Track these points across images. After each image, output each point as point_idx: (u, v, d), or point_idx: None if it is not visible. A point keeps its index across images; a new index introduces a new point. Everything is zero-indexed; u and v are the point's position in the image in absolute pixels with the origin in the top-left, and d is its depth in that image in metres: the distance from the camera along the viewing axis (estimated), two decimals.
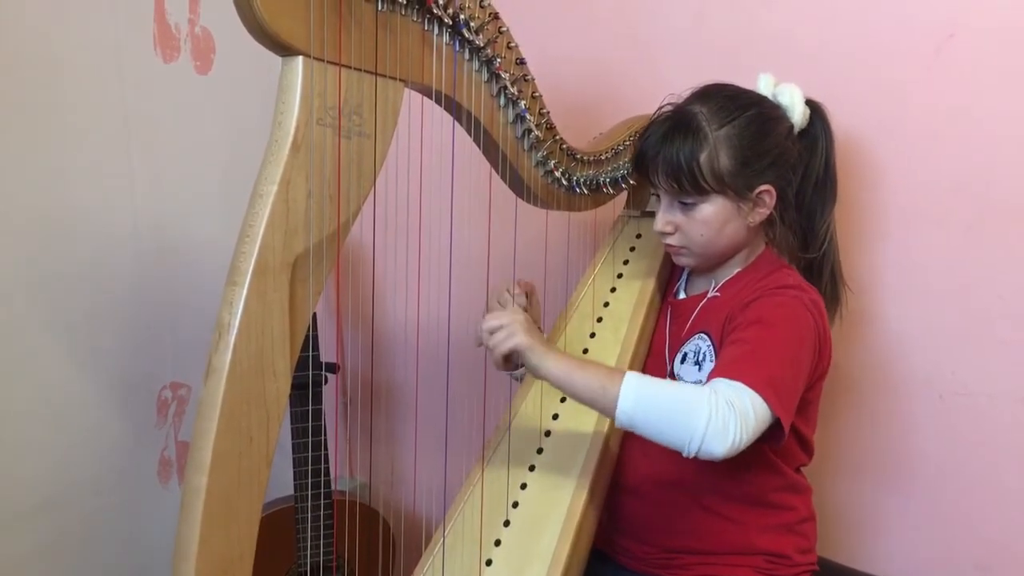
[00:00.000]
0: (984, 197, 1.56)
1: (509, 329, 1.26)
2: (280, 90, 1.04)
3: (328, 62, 1.04)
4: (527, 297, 1.46)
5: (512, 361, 1.29)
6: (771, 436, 1.22)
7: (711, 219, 1.35)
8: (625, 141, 1.57)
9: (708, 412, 1.14)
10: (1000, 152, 1.54)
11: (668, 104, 1.41)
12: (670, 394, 1.21)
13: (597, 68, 1.88)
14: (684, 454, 1.17)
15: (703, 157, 1.31)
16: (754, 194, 1.35)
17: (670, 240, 1.40)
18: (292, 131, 1.02)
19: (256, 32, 1.00)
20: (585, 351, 1.50)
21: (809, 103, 1.43)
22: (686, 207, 1.36)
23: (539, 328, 1.48)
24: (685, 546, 1.39)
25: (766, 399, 1.18)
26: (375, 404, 2.20)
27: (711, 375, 1.25)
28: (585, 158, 1.50)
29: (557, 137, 1.43)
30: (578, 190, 1.50)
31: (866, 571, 1.53)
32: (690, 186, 1.32)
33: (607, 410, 1.22)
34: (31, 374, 1.67)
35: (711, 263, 1.43)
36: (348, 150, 1.08)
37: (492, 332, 1.28)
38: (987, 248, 1.57)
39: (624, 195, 1.69)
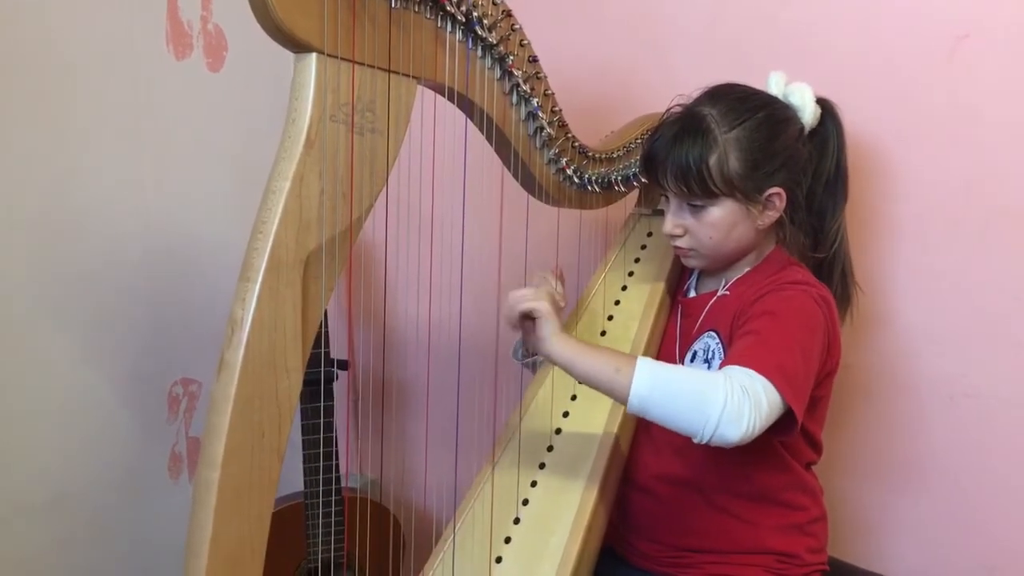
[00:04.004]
0: (998, 198, 1.56)
1: (536, 293, 1.25)
2: (293, 87, 1.04)
3: (341, 59, 1.05)
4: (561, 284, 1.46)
5: (525, 327, 1.27)
6: (783, 427, 1.21)
7: (720, 222, 1.35)
8: (637, 139, 1.57)
9: (724, 397, 1.13)
10: (1014, 153, 1.54)
11: (677, 105, 1.40)
12: (685, 378, 1.21)
13: (609, 66, 1.88)
14: (696, 439, 1.16)
15: (712, 160, 1.31)
16: (764, 197, 1.34)
17: (679, 242, 1.40)
18: (305, 128, 1.02)
19: (270, 29, 1.00)
20: None
21: (820, 102, 1.42)
22: (695, 209, 1.35)
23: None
24: (695, 545, 1.39)
25: (777, 386, 1.17)
26: (385, 401, 2.20)
27: (723, 364, 1.24)
28: (597, 156, 1.50)
29: (569, 135, 1.43)
30: (590, 188, 1.50)
31: (875, 571, 1.53)
32: (699, 189, 1.32)
33: (619, 393, 1.19)
34: (43, 371, 1.68)
35: (720, 265, 1.43)
36: (361, 147, 1.09)
37: (517, 295, 1.26)
38: (1000, 250, 1.56)
39: (635, 193, 1.69)
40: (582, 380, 1.25)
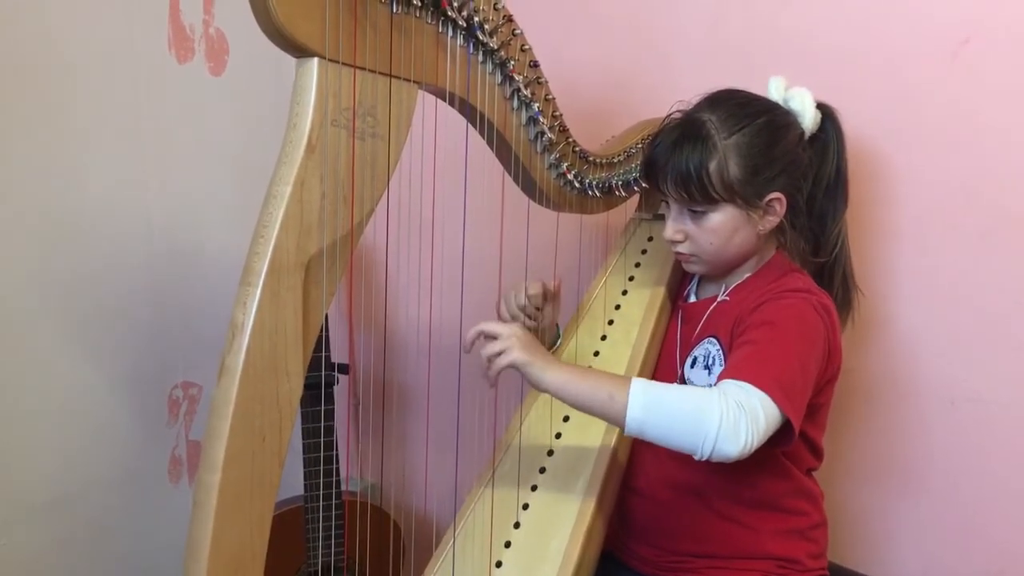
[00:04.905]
0: (999, 202, 1.56)
1: (506, 343, 1.23)
2: (295, 91, 1.04)
3: (343, 64, 1.05)
4: (545, 298, 1.46)
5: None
6: (781, 438, 1.21)
7: (721, 228, 1.35)
8: (638, 144, 1.57)
9: (720, 414, 1.14)
10: (1014, 157, 1.54)
11: (677, 111, 1.40)
12: (679, 398, 1.20)
13: (610, 71, 1.88)
14: (696, 457, 1.16)
15: (712, 166, 1.30)
16: (764, 202, 1.34)
17: (680, 248, 1.40)
18: (307, 132, 1.03)
19: (272, 34, 1.00)
20: (596, 354, 1.50)
21: (821, 107, 1.42)
22: (696, 215, 1.35)
23: (541, 340, 1.48)
24: (695, 550, 1.39)
25: (775, 399, 1.18)
26: (386, 405, 2.20)
27: (720, 377, 1.24)
28: (598, 161, 1.50)
29: (570, 139, 1.43)
30: (590, 192, 1.50)
31: None
32: (699, 195, 1.32)
33: (616, 419, 1.20)
34: (44, 373, 1.68)
35: (721, 270, 1.43)
36: (362, 151, 1.09)
37: (488, 357, 1.24)
38: (1002, 254, 1.56)
39: (636, 197, 1.69)
40: (577, 408, 1.24)
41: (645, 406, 1.17)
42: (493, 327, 1.26)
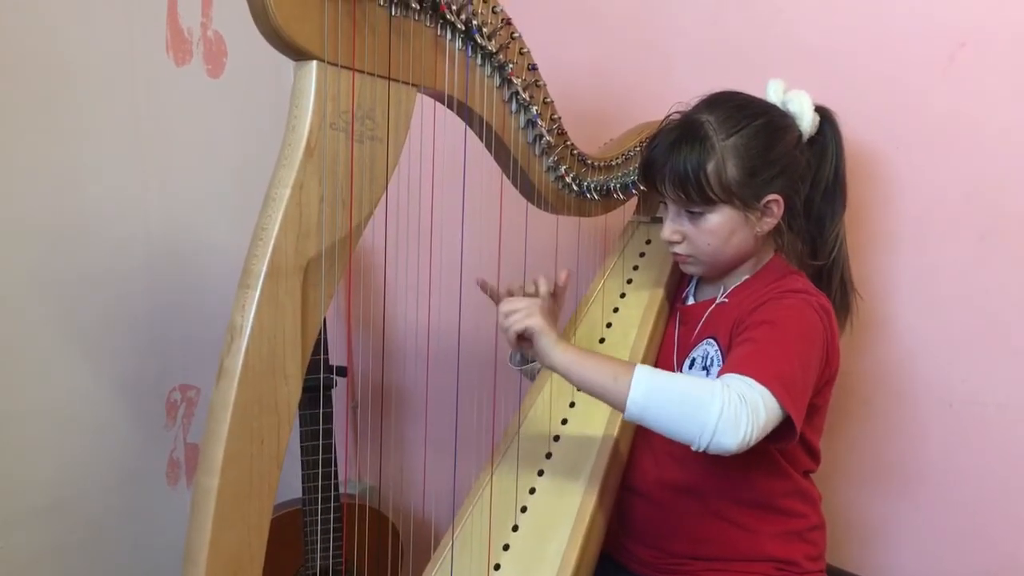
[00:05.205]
0: (998, 205, 1.56)
1: (527, 310, 1.26)
2: (294, 94, 1.04)
3: (341, 67, 1.05)
4: (554, 297, 1.46)
5: (524, 344, 1.28)
6: (781, 435, 1.21)
7: (718, 229, 1.35)
8: (636, 147, 1.57)
9: (720, 405, 1.13)
10: (1014, 160, 1.54)
11: (675, 112, 1.41)
12: (682, 386, 1.20)
13: (608, 74, 1.89)
14: (694, 447, 1.16)
15: (710, 167, 1.31)
16: (762, 204, 1.34)
17: (677, 249, 1.40)
18: (306, 135, 1.03)
19: (271, 37, 1.00)
20: None
21: (819, 110, 1.42)
22: (693, 216, 1.36)
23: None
24: (694, 551, 1.39)
25: (776, 394, 1.17)
26: (384, 407, 2.20)
27: (721, 372, 1.24)
28: (596, 163, 1.50)
29: (568, 142, 1.43)
30: (588, 195, 1.50)
31: None
32: (697, 196, 1.32)
33: (617, 401, 1.20)
34: (42, 375, 1.68)
35: (719, 271, 1.43)
36: (361, 154, 1.09)
37: (509, 314, 1.27)
38: (1000, 257, 1.56)
39: (634, 200, 1.69)
40: (581, 388, 1.26)
41: (647, 391, 1.17)
42: (514, 303, 1.29)
